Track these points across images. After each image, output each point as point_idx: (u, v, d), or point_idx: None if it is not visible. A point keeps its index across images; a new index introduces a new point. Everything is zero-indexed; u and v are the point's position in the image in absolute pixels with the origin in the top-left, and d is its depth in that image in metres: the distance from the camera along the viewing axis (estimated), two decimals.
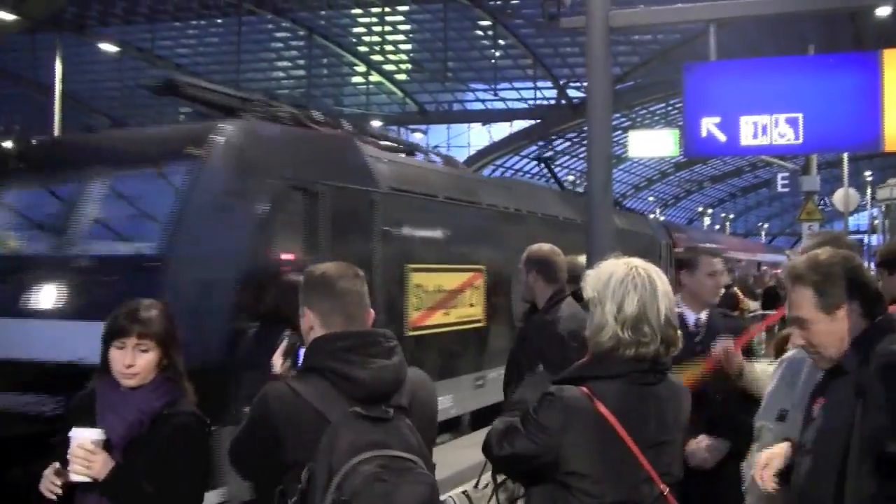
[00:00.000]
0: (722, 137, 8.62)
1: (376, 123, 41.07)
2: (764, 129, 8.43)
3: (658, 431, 3.01)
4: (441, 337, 10.27)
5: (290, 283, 6.54)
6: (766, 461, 3.10)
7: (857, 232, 52.59)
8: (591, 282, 3.12)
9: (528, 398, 3.15)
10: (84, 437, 3.29)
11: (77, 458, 3.28)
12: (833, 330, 3.02)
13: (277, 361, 3.36)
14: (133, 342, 3.44)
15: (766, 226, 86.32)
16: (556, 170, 58.48)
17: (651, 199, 71.63)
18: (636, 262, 3.12)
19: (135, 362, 3.44)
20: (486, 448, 3.15)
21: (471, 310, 11.03)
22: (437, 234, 10.53)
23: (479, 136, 50.25)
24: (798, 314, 3.06)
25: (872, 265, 5.36)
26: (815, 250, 3.19)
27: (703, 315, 5.00)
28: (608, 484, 2.92)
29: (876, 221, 44.44)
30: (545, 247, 5.90)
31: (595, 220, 8.61)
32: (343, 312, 3.16)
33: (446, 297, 10.47)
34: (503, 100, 45.05)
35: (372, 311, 3.30)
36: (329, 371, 3.03)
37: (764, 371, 4.60)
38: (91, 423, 3.39)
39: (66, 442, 3.33)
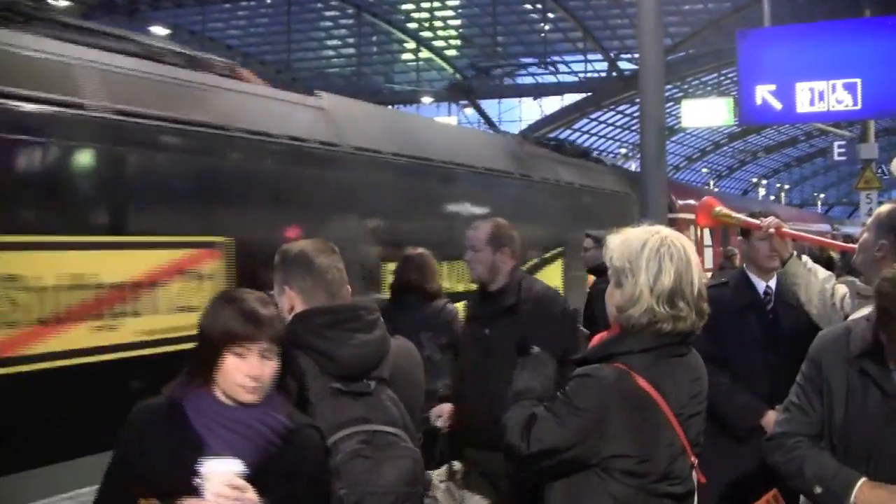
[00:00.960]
0: (777, 105, 8.53)
1: (427, 100, 41.12)
2: (821, 95, 8.33)
3: (691, 403, 2.93)
4: (80, 376, 4.84)
5: None
6: None
7: None
8: (621, 251, 2.97)
9: (533, 385, 3.00)
10: (227, 472, 2.60)
11: (226, 499, 2.59)
12: None
13: None
14: (260, 347, 2.73)
15: (822, 196, 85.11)
16: (608, 144, 58.08)
17: (704, 170, 70.87)
18: (665, 230, 2.98)
19: (262, 372, 2.74)
20: (510, 448, 2.91)
21: (182, 319, 5.36)
22: (90, 177, 5.25)
23: (530, 111, 49.99)
24: None
25: None
26: None
27: (773, 282, 4.84)
28: (652, 462, 2.81)
29: None
30: (501, 221, 5.19)
31: (649, 191, 8.57)
32: (325, 289, 3.14)
33: (107, 297, 4.94)
34: (553, 73, 44.74)
35: (349, 286, 3.25)
36: (309, 348, 3.00)
37: (822, 284, 4.47)
38: (189, 446, 2.67)
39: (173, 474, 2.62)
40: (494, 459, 3.85)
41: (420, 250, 6.27)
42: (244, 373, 2.71)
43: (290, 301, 3.15)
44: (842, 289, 4.38)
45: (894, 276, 2.95)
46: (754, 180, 77.47)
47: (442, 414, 5.19)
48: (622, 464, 2.79)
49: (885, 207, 3.99)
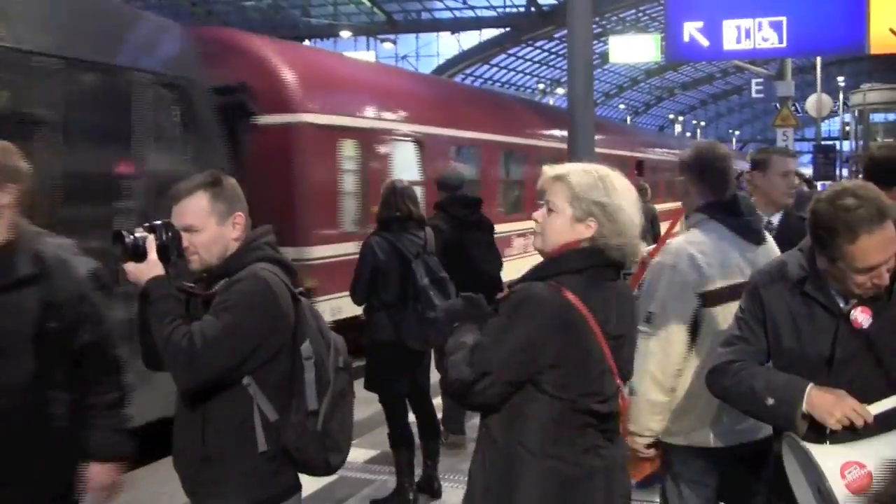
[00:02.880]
0: (705, 42, 8.49)
1: (345, 34, 40.59)
2: (747, 32, 8.31)
3: (618, 324, 3.06)
4: None
5: None
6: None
7: (829, 138, 52.68)
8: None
9: (473, 328, 3.12)
10: None
11: None
12: None
13: (154, 261, 3.14)
14: None
15: (737, 133, 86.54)
16: (525, 79, 58.01)
17: (622, 106, 71.44)
18: (597, 166, 3.18)
19: None
20: (458, 383, 2.97)
21: None
22: None
23: (448, 46, 49.75)
24: None
25: (845, 171, 5.31)
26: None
27: (776, 218, 4.90)
28: (578, 376, 2.95)
29: (847, 127, 44.59)
30: (9, 144, 3.51)
31: (577, 126, 8.51)
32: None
33: None
34: (472, 7, 44.46)
35: None
36: (276, 261, 3.33)
37: None
38: None
39: None
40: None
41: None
42: None
43: (243, 224, 3.32)
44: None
45: (826, 195, 3.04)
46: (671, 116, 78.38)
47: None
48: (553, 376, 2.92)
49: (685, 152, 4.35)
